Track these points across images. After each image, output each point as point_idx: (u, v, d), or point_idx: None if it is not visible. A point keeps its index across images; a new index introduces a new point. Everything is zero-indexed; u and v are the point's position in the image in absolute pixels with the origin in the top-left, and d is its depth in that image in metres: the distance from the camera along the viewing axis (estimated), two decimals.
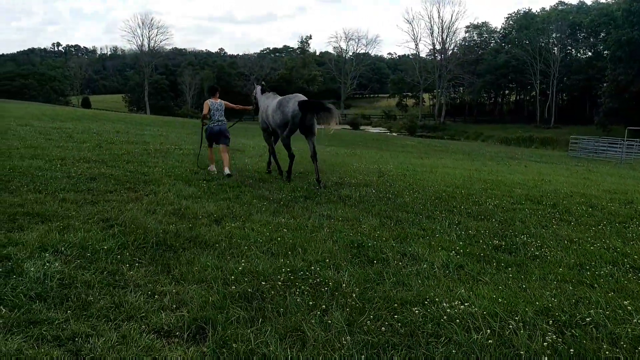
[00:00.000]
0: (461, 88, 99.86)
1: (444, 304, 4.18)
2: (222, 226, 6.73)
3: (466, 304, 4.22)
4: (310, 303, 4.16)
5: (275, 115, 10.57)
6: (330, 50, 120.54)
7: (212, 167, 11.79)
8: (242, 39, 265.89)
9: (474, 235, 6.57)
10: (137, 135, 22.28)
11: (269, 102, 11.30)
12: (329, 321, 3.84)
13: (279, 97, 11.06)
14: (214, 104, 11.84)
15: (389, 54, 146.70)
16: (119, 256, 5.27)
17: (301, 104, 10.15)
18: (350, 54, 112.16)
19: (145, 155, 13.88)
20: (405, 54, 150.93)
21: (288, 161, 10.59)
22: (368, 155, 20.60)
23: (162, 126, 34.25)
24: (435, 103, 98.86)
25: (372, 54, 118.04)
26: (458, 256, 5.62)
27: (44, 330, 3.58)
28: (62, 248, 5.49)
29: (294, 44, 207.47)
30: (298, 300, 4.24)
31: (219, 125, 11.73)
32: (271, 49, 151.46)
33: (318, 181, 10.06)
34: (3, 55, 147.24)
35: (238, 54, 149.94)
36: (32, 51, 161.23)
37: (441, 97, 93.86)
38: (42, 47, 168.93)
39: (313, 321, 3.85)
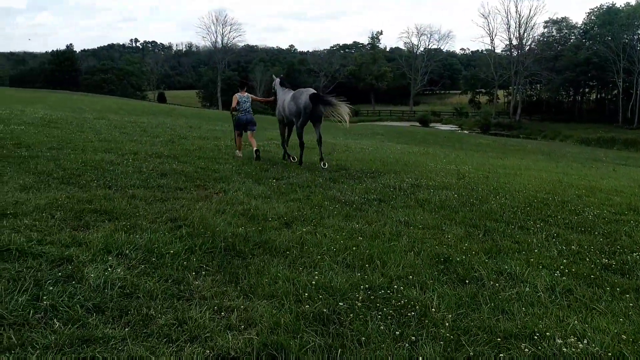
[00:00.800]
0: (538, 85, 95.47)
1: (557, 340, 3.49)
2: (292, 230, 6.26)
3: (584, 341, 3.50)
4: (397, 333, 3.58)
5: (290, 106, 11.97)
6: (401, 46, 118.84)
7: (239, 153, 13.15)
8: (312, 35, 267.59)
9: (577, 252, 5.75)
10: (209, 130, 22.41)
11: (285, 96, 12.56)
12: (420, 358, 3.25)
13: (293, 91, 12.38)
14: (242, 97, 13.18)
15: (461, 49, 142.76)
16: (185, 262, 4.90)
17: (311, 96, 11.54)
18: (422, 49, 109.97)
19: (216, 152, 13.73)
20: (477, 50, 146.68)
21: (299, 150, 12.44)
22: (442, 154, 19.67)
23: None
24: (510, 100, 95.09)
25: (444, 50, 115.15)
26: (563, 277, 4.85)
27: (97, 352, 3.20)
28: (127, 251, 5.19)
29: (364, 40, 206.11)
30: (381, 327, 3.67)
31: (246, 115, 13.20)
32: (340, 45, 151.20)
33: (321, 160, 11.97)
34: (85, 50, 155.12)
35: (308, 51, 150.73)
36: (111, 47, 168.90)
37: (517, 94, 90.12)
38: (121, 43, 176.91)
39: (401, 356, 3.27)
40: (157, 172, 9.90)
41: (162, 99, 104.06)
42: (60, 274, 4.44)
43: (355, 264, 5.00)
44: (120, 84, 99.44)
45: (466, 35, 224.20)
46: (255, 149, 12.70)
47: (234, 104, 13.17)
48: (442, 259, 5.23)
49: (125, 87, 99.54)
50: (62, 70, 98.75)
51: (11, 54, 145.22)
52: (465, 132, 72.63)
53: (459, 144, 32.99)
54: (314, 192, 8.76)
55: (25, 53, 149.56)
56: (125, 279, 4.35)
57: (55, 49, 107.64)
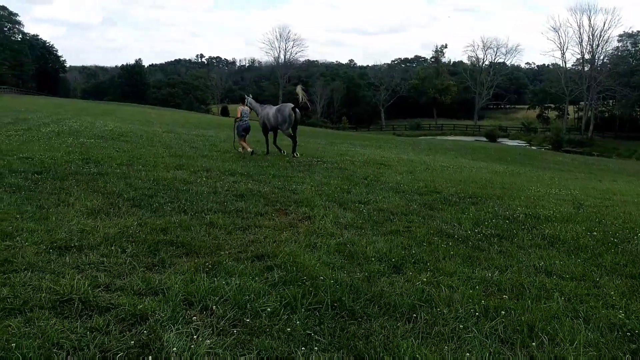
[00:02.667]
0: (611, 101, 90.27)
1: None
2: (406, 277, 5.07)
3: None
4: None
5: (278, 117, 15.68)
6: (465, 59, 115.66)
7: (249, 148, 15.78)
8: (371, 49, 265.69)
9: None
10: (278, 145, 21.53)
11: (268, 110, 16.29)
12: None
13: (275, 106, 16.38)
14: (244, 109, 16.44)
15: (527, 63, 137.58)
16: (287, 328, 3.79)
17: (292, 108, 15.61)
18: (487, 63, 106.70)
19: (290, 169, 12.74)
20: (544, 64, 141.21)
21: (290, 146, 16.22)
22: (533, 175, 17.92)
23: (299, 136, 33.71)
24: (580, 116, 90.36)
25: (509, 64, 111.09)
26: None
27: None
28: (213, 304, 4.16)
29: (425, 53, 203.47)
30: None
31: (247, 123, 16.37)
32: (402, 59, 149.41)
33: (293, 150, 15.95)
34: (153, 65, 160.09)
35: (367, 65, 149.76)
36: (178, 62, 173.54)
37: (589, 110, 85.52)
38: (187, 58, 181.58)
39: None
40: (233, 193, 8.99)
41: (225, 112, 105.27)
42: (132, 341, 3.45)
43: (513, 339, 3.75)
44: (186, 98, 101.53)
45: (532, 50, 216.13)
46: (250, 150, 15.67)
47: (237, 115, 16.41)
48: (627, 333, 3.89)
49: (191, 101, 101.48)
50: (131, 84, 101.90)
51: (84, 67, 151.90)
52: (533, 148, 69.30)
53: (537, 162, 30.79)
54: (412, 221, 7.54)
55: (97, 67, 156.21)
56: (217, 356, 3.28)
57: (125, 64, 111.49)
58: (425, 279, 4.94)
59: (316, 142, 28.52)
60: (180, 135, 21.74)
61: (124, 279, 4.77)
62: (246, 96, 17.32)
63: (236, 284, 4.57)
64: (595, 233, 7.03)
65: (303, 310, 4.11)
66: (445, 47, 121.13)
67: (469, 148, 38.17)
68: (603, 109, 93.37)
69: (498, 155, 32.50)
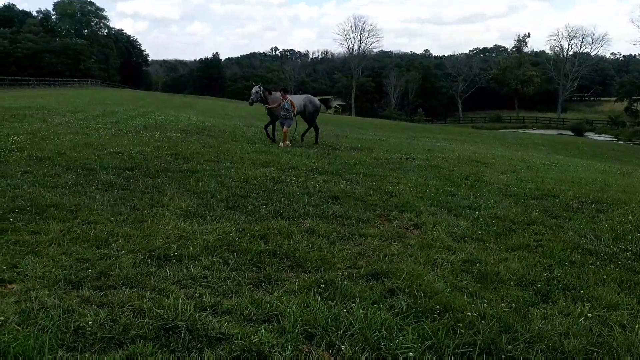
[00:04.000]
0: None
1: None
2: (560, 309, 4.21)
3: None
4: None
5: (309, 106, 16.53)
6: (547, 49, 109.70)
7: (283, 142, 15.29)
8: (448, 39, 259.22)
9: None
10: (357, 139, 20.82)
11: (293, 99, 15.93)
12: None
13: (297, 95, 17.08)
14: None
15: (612, 53, 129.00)
16: None
17: (320, 100, 16.20)
18: (571, 53, 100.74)
19: (379, 167, 11.97)
20: (631, 54, 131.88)
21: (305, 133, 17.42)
22: (638, 174, 16.18)
23: (377, 129, 32.92)
24: None
25: (593, 54, 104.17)
26: None
27: None
28: (338, 340, 3.50)
29: (506, 43, 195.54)
30: None
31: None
32: (480, 49, 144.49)
33: (316, 142, 16.75)
34: (229, 58, 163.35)
35: (444, 55, 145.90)
36: (253, 55, 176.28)
37: None
38: (262, 52, 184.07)
39: None
40: (326, 195, 8.35)
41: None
42: None
43: None
44: None
45: (619, 39, 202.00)
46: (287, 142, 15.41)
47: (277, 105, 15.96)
48: None
49: None
50: (209, 77, 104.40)
51: (164, 61, 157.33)
52: (621, 142, 64.69)
53: (636, 159, 28.36)
54: (540, 233, 6.60)
55: (176, 61, 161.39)
56: None
57: (202, 57, 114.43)
58: (587, 313, 4.04)
59: (396, 136, 27.56)
60: (260, 130, 21.44)
61: (230, 298, 4.21)
62: (258, 86, 16.66)
63: (360, 313, 3.88)
64: None
65: (452, 356, 3.35)
66: (528, 36, 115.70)
67: (559, 143, 35.85)
68: None
69: (592, 151, 30.23)
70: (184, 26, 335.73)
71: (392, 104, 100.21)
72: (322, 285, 4.50)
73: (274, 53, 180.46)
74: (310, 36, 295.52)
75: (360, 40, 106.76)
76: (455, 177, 11.19)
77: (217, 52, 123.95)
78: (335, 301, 4.20)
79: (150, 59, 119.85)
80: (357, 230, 6.43)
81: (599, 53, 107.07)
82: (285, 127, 15.58)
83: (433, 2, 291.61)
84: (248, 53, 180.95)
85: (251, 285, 4.52)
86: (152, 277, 4.50)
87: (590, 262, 5.39)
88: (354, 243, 5.97)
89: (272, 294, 4.34)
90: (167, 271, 4.63)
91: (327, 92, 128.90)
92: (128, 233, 5.57)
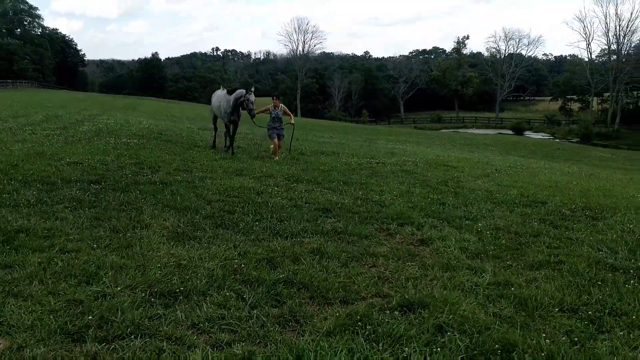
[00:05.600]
0: (635, 92, 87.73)
1: None
2: (623, 341, 3.86)
3: None
4: None
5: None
6: (484, 51, 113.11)
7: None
8: (388, 41, 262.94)
9: None
10: (318, 143, 20.35)
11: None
12: None
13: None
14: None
15: (544, 54, 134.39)
16: None
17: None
18: (508, 54, 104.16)
19: (355, 174, 11.53)
20: (561, 55, 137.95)
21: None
22: (608, 176, 16.49)
23: (330, 131, 32.55)
24: (605, 108, 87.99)
25: (527, 55, 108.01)
26: None
27: None
28: None
29: (444, 45, 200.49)
30: None
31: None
32: (420, 50, 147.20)
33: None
34: (169, 58, 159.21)
35: (384, 57, 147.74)
36: (194, 55, 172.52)
37: (615, 102, 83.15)
38: (203, 52, 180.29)
39: None
40: (316, 207, 7.83)
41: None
42: None
43: None
44: (204, 92, 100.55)
45: (551, 40, 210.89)
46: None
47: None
48: None
49: (209, 95, 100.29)
50: (148, 77, 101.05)
51: (101, 61, 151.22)
52: (557, 140, 67.40)
53: (583, 158, 29.30)
54: (552, 247, 6.32)
55: (114, 61, 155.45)
56: None
57: (141, 57, 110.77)
58: None
59: (352, 138, 27.28)
60: (219, 133, 20.59)
61: (260, 344, 3.63)
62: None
63: None
64: None
65: None
66: (467, 38, 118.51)
67: (507, 143, 36.68)
68: (629, 100, 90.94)
69: (541, 151, 31.06)
70: (121, 25, 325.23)
71: (336, 105, 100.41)
72: (359, 323, 3.98)
73: (215, 53, 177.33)
74: (252, 37, 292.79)
75: (304, 41, 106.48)
76: (434, 183, 10.89)
77: (156, 52, 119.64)
78: (381, 344, 3.70)
79: (86, 58, 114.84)
80: (365, 249, 5.94)
81: (534, 54, 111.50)
82: (278, 139, 13.71)
83: (372, 4, 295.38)
84: (189, 53, 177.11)
85: (277, 325, 3.95)
86: (162, 321, 3.84)
87: (622, 280, 5.11)
88: (367, 265, 5.48)
89: (304, 336, 3.78)
90: (178, 312, 3.98)
91: (270, 93, 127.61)
92: (117, 263, 4.83)
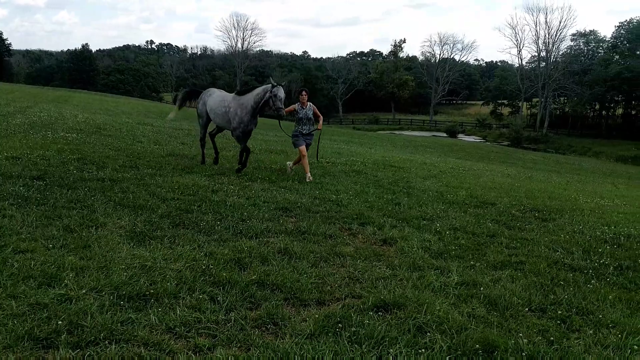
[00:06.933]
0: (561, 98, 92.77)
1: None
2: (596, 339, 4.00)
3: None
4: None
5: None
6: (419, 55, 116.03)
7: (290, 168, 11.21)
8: (326, 42, 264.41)
9: None
10: (265, 142, 20.15)
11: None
12: None
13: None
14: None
15: (476, 60, 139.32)
16: None
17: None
18: (442, 59, 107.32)
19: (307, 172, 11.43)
20: (492, 61, 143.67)
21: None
22: (547, 179, 17.26)
23: (275, 130, 32.26)
24: (534, 113, 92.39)
25: (462, 60, 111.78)
26: None
27: None
28: None
29: (381, 48, 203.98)
30: None
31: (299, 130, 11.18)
32: (357, 52, 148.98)
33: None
34: (101, 50, 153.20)
35: (322, 57, 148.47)
36: (127, 48, 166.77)
37: (543, 107, 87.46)
38: (137, 45, 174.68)
39: None
40: (275, 206, 7.72)
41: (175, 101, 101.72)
42: None
43: None
44: (137, 85, 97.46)
45: (484, 47, 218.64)
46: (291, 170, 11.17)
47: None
48: None
49: (143, 89, 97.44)
50: (79, 69, 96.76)
51: (27, 51, 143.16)
52: (488, 143, 70.13)
53: (517, 161, 30.61)
54: (510, 247, 6.50)
55: (41, 51, 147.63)
56: None
57: (70, 48, 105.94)
58: (632, 345, 3.86)
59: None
60: (158, 128, 20.02)
61: (242, 348, 3.49)
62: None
63: None
64: None
65: None
66: (404, 41, 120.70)
67: (444, 145, 37.76)
68: (556, 106, 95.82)
69: (477, 153, 32.19)
70: (50, 15, 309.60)
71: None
72: (339, 325, 3.92)
73: (150, 46, 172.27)
74: (188, 31, 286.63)
75: (243, 38, 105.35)
76: (386, 183, 11.02)
77: (87, 44, 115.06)
78: (365, 345, 3.65)
79: (12, 48, 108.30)
80: (331, 249, 5.90)
81: (467, 59, 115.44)
82: (310, 142, 11.04)
83: (311, 4, 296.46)
84: (122, 45, 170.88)
85: (256, 329, 3.82)
86: (135, 325, 3.63)
87: (582, 280, 5.32)
88: (336, 265, 5.43)
89: (285, 339, 3.68)
90: (151, 316, 3.77)
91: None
92: (78, 264, 4.54)
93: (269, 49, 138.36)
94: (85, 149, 11.07)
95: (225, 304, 4.12)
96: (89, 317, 3.60)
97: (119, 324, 3.59)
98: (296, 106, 10.90)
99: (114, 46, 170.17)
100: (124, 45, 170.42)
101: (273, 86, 9.92)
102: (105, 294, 4.04)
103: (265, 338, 3.70)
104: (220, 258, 5.12)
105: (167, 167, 10.19)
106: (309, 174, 10.42)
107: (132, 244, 5.31)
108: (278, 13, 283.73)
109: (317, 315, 4.07)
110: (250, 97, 10.25)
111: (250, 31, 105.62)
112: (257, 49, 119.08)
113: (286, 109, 10.49)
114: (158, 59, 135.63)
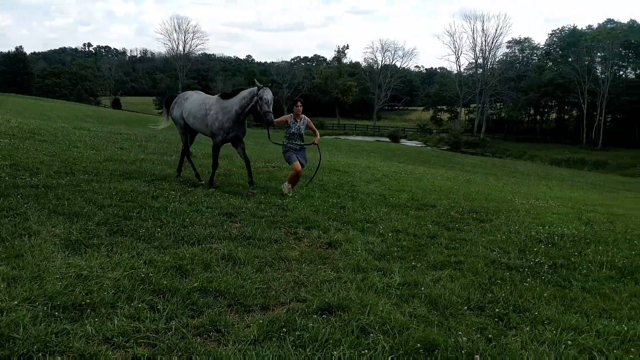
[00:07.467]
0: (498, 104, 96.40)
1: None
2: (532, 336, 4.14)
3: None
4: None
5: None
6: (362, 61, 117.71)
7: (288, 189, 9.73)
8: (270, 46, 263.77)
9: None
10: (207, 146, 19.83)
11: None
12: None
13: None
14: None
15: (416, 66, 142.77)
16: None
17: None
18: (384, 65, 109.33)
19: (254, 177, 11.34)
20: (432, 67, 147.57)
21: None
22: (485, 181, 17.82)
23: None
24: (472, 118, 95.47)
25: (402, 67, 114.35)
26: None
27: None
28: None
29: (325, 53, 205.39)
30: None
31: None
32: (302, 57, 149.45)
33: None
34: (36, 53, 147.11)
35: (266, 62, 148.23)
36: (63, 50, 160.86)
37: (481, 113, 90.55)
38: (74, 47, 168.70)
39: None
40: (219, 211, 7.63)
41: (117, 105, 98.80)
42: None
43: None
44: (74, 89, 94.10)
45: (426, 53, 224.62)
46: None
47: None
48: None
49: (80, 92, 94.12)
50: (13, 72, 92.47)
51: None
52: (428, 148, 71.87)
53: (457, 164, 31.53)
54: (450, 248, 6.66)
55: None
56: None
57: (3, 51, 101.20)
58: (566, 340, 4.03)
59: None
60: (96, 133, 19.37)
61: (183, 357, 3.41)
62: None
63: None
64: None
65: None
66: (347, 47, 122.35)
67: (387, 150, 38.41)
68: (492, 111, 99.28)
69: (418, 157, 32.93)
70: None
71: None
72: (283, 329, 3.90)
73: (87, 49, 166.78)
74: (128, 34, 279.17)
75: (184, 41, 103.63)
76: (331, 187, 11.11)
77: (21, 46, 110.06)
78: (309, 349, 3.65)
79: None
80: (277, 253, 5.87)
81: (408, 66, 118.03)
82: (304, 160, 10.05)
83: (255, 9, 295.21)
84: (58, 48, 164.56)
85: (198, 337, 3.75)
86: (70, 336, 3.49)
87: (518, 278, 5.52)
88: (282, 269, 5.41)
89: (228, 346, 3.63)
90: (87, 326, 3.63)
91: (149, 92, 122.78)
92: (10, 274, 4.32)
93: (211, 53, 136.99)
94: (18, 155, 10.57)
95: (166, 312, 4.03)
96: (21, 329, 3.43)
97: (53, 336, 3.44)
98: (289, 118, 9.85)
99: (49, 49, 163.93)
100: (60, 48, 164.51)
101: (259, 88, 9.02)
102: (38, 304, 3.86)
103: (207, 346, 3.63)
104: (160, 266, 4.99)
105: (105, 172, 9.86)
106: (291, 190, 9.62)
107: (67, 253, 5.10)
108: (221, 16, 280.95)
109: (261, 321, 4.04)
110: (235, 101, 9.25)
111: (192, 34, 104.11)
112: (200, 52, 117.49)
113: (278, 119, 9.56)
114: (96, 61, 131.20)
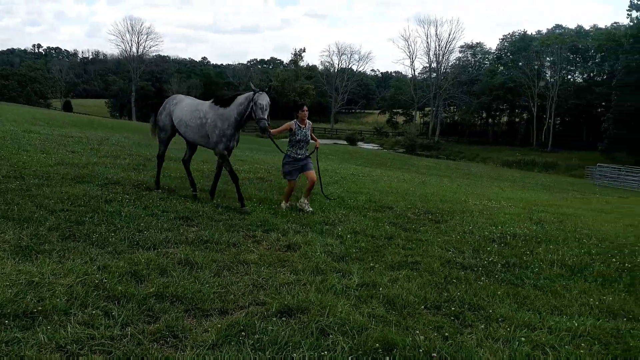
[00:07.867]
0: (451, 107, 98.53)
1: None
2: (487, 334, 4.26)
3: None
4: None
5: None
6: (319, 64, 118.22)
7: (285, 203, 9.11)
8: (226, 48, 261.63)
9: None
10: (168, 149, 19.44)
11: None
12: None
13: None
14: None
15: (372, 70, 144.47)
16: None
17: None
18: (341, 68, 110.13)
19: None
20: (387, 71, 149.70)
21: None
22: (440, 184, 18.15)
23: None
24: (427, 121, 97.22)
25: (359, 70, 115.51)
26: None
27: None
28: None
29: (281, 56, 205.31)
30: None
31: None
32: (258, 60, 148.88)
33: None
34: None
35: (222, 64, 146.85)
36: (11, 52, 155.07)
37: (435, 116, 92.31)
38: (22, 48, 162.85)
39: None
40: (175, 215, 7.51)
41: (68, 107, 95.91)
42: None
43: None
44: (23, 91, 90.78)
45: (381, 57, 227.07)
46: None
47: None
48: None
49: (29, 95, 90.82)
50: None
51: None
52: (385, 150, 72.83)
53: (412, 167, 32.02)
54: (407, 249, 6.77)
55: None
56: None
57: None
58: (519, 337, 4.15)
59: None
60: (46, 136, 18.74)
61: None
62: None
63: None
64: (591, 257, 6.84)
65: None
66: (304, 50, 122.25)
67: (344, 152, 38.67)
68: (446, 115, 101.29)
69: (376, 160, 33.30)
70: None
71: None
72: (242, 333, 3.88)
73: (37, 50, 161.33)
74: (79, 35, 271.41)
75: (138, 42, 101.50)
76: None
77: None
78: (268, 352, 3.64)
79: None
80: (235, 257, 5.83)
81: (364, 70, 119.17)
82: (310, 170, 9.05)
83: (210, 11, 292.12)
84: (6, 49, 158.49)
85: (155, 343, 3.69)
86: (22, 345, 3.37)
87: (473, 277, 5.66)
88: (240, 273, 5.38)
89: (185, 351, 3.59)
90: (39, 334, 3.52)
91: (101, 94, 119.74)
92: None
93: (166, 54, 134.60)
94: None
95: (121, 318, 3.94)
96: None
97: (3, 345, 3.33)
98: (293, 124, 9.04)
99: None
100: (8, 49, 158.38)
101: (255, 93, 8.42)
102: None
103: (164, 352, 3.58)
104: (114, 271, 4.88)
105: (56, 176, 9.57)
106: (284, 202, 8.97)
107: (17, 259, 4.93)
108: (176, 18, 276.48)
109: (219, 325, 4.00)
110: (232, 108, 8.62)
111: (145, 35, 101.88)
112: (154, 54, 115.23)
113: (280, 128, 9.11)
114: (46, 63, 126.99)
